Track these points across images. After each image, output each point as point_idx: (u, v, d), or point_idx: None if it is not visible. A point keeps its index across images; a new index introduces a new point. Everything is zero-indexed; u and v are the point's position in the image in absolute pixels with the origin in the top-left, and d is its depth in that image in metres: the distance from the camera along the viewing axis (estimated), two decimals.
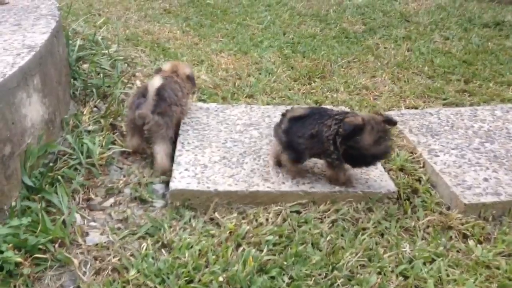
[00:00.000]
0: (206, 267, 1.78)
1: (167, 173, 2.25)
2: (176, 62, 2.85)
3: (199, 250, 1.84)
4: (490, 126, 2.76)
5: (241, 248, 1.87)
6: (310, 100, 3.13)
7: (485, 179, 2.27)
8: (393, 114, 2.88)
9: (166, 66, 2.59)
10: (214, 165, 2.24)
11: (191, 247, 1.85)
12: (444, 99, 3.24)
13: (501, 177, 2.28)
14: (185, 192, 2.07)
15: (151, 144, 2.35)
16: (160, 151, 2.29)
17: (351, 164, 2.15)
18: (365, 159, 2.10)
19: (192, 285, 1.70)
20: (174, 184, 2.09)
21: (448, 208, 2.17)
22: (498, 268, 1.86)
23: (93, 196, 2.13)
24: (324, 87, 3.36)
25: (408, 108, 3.08)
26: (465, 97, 3.30)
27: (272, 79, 3.41)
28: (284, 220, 2.03)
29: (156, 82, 2.33)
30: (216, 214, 2.04)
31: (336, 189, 2.15)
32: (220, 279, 1.71)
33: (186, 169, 2.19)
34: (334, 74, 3.56)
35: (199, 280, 1.71)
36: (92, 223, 1.99)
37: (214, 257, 1.81)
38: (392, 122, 2.07)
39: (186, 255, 1.80)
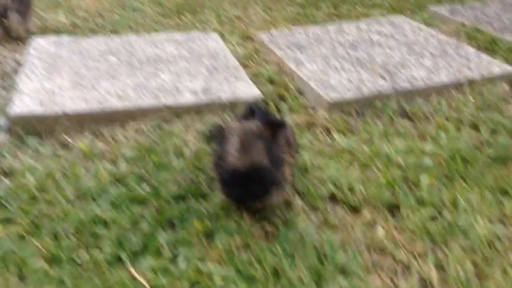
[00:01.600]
0: (55, 187, 1.59)
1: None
2: None
3: (46, 173, 1.64)
4: (355, 38, 2.83)
5: (94, 166, 1.71)
6: (179, 31, 2.98)
7: (349, 80, 2.31)
8: (263, 35, 2.84)
9: None
10: (63, 91, 2.02)
11: (37, 170, 1.65)
12: (314, 22, 3.27)
13: (363, 77, 2.34)
14: (28, 117, 1.83)
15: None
16: (15, 22, 2.71)
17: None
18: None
19: (36, 205, 1.51)
20: (14, 110, 1.84)
21: (314, 109, 2.18)
22: (361, 153, 1.89)
23: None
24: (195, 20, 3.22)
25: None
26: (333, 19, 3.35)
27: (138, 15, 3.20)
28: (146, 136, 1.90)
29: None
30: (66, 137, 1.84)
31: (201, 100, 2.05)
32: (69, 194, 1.54)
33: (29, 96, 1.94)
34: (205, 8, 3.43)
35: (45, 199, 1.53)
36: None
37: (62, 176, 1.63)
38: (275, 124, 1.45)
39: (31, 179, 1.60)
